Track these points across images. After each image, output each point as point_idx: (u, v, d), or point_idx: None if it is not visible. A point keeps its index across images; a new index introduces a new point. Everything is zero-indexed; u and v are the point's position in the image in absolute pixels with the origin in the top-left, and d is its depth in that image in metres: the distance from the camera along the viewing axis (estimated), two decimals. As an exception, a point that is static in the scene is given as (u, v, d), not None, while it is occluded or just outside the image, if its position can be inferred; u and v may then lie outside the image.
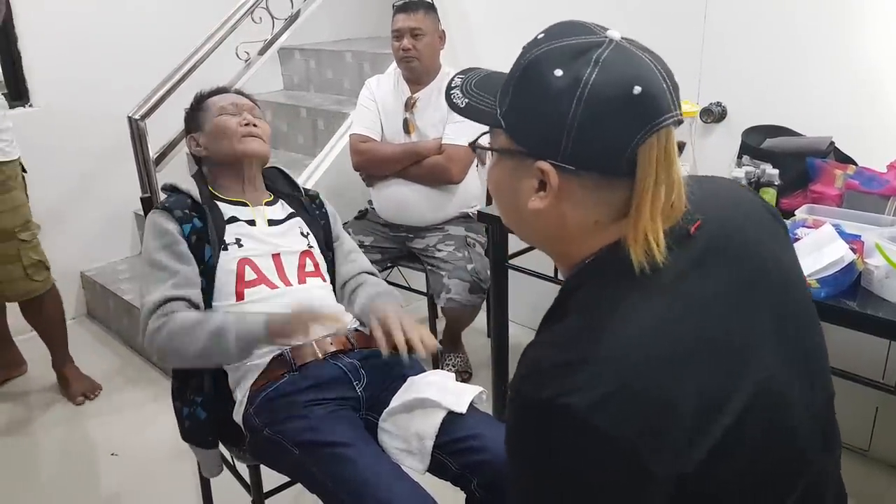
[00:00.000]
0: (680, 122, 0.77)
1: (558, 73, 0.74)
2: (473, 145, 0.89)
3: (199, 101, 1.77)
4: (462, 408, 1.44)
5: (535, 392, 0.71)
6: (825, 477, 0.87)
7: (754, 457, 0.76)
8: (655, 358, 0.72)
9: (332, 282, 1.78)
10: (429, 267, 2.51)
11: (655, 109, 0.74)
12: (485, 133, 0.87)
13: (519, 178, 0.81)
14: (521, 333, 2.97)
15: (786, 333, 0.82)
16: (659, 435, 0.69)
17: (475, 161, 2.56)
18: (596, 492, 0.71)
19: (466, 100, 0.85)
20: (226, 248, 1.62)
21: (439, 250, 2.48)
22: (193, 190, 1.67)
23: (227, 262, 1.61)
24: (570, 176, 0.76)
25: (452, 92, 0.87)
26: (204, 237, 1.61)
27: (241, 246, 1.64)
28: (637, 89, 0.73)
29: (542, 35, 0.79)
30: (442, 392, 1.46)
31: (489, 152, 0.86)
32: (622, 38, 0.77)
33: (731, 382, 0.75)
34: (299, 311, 1.49)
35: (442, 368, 2.63)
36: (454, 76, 0.89)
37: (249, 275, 1.62)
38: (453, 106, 0.86)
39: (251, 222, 1.69)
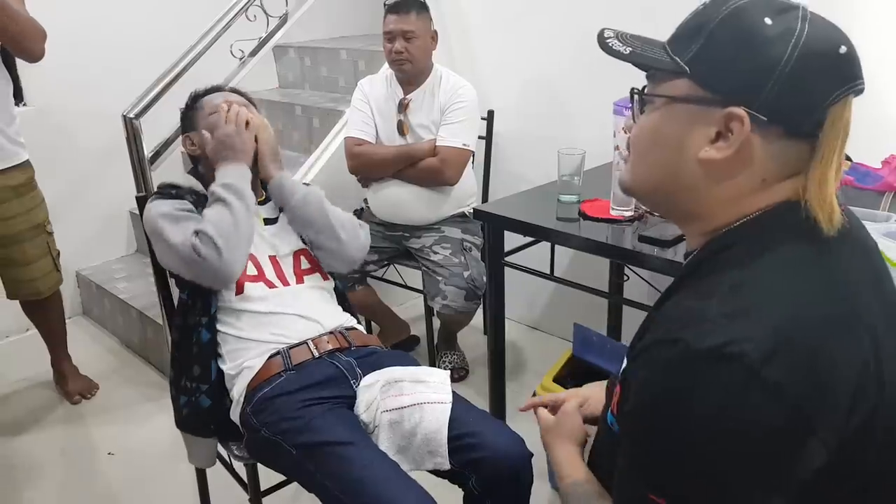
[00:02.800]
0: (862, 91, 0.78)
1: (768, 21, 0.74)
2: (638, 93, 0.85)
3: (194, 101, 1.77)
4: (447, 397, 1.47)
5: (700, 340, 0.69)
6: None
7: (879, 459, 0.74)
8: (826, 318, 0.71)
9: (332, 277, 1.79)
10: (424, 268, 2.51)
11: (853, 72, 0.76)
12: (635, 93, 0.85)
13: (691, 128, 0.79)
14: (517, 330, 2.98)
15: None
16: (825, 395, 0.68)
17: (470, 160, 2.56)
18: (754, 444, 0.68)
19: (629, 48, 0.82)
20: None
21: (435, 252, 2.48)
22: (196, 184, 1.67)
23: None
24: (757, 126, 0.75)
25: (609, 41, 0.84)
26: None
27: None
28: (843, 49, 0.75)
29: None
30: (424, 390, 1.48)
31: (636, 110, 0.85)
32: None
33: (877, 364, 0.74)
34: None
35: (438, 367, 2.63)
36: (602, 30, 0.85)
37: (251, 269, 1.63)
38: (615, 53, 0.83)
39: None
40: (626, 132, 0.89)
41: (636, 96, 0.86)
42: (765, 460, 0.69)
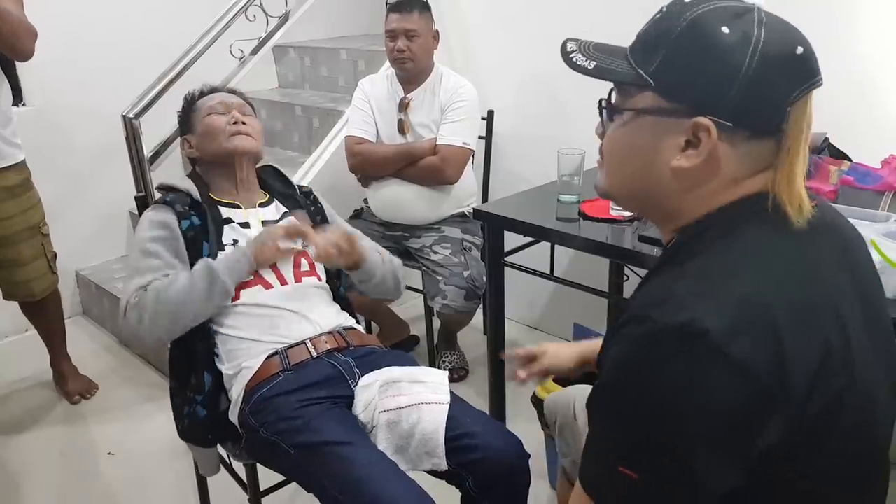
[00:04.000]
0: (820, 86, 0.80)
1: (725, 30, 0.76)
2: (604, 107, 0.88)
3: (190, 103, 1.77)
4: (445, 397, 1.47)
5: (668, 317, 0.72)
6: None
7: (843, 445, 0.77)
8: (790, 301, 0.74)
9: (332, 277, 1.78)
10: (424, 268, 2.51)
11: (811, 70, 0.79)
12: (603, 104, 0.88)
13: (661, 138, 0.81)
14: (517, 330, 2.98)
15: (874, 341, 0.83)
16: (787, 375, 0.71)
17: (470, 160, 2.56)
18: (716, 419, 0.70)
19: (593, 62, 0.85)
20: (223, 249, 1.62)
21: (435, 252, 2.48)
22: (192, 189, 1.66)
23: None
24: (724, 132, 0.77)
25: (572, 55, 0.87)
26: (202, 235, 1.60)
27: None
28: (799, 49, 0.77)
29: None
30: (422, 390, 1.48)
31: (604, 119, 0.87)
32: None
33: (846, 354, 0.76)
34: (265, 230, 1.63)
35: (438, 367, 2.63)
36: (564, 42, 0.87)
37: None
38: (579, 68, 0.86)
39: (245, 224, 1.68)
40: (599, 138, 0.91)
41: (604, 107, 0.88)
42: (725, 435, 0.71)
